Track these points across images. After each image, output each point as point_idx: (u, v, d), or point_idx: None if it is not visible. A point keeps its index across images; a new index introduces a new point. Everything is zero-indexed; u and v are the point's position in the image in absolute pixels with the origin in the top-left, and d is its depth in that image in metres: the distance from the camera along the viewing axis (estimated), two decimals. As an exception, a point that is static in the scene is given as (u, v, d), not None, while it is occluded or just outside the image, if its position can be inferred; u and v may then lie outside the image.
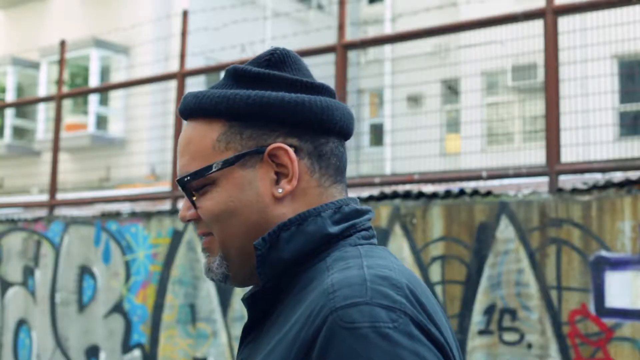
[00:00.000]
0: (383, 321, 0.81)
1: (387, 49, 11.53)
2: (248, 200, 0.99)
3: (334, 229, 0.98)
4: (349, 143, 1.11)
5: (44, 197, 6.98)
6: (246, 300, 1.01)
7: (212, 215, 1.01)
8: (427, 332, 0.84)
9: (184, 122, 1.09)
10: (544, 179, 3.88)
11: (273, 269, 0.97)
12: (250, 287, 1.06)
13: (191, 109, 1.03)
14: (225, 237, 1.01)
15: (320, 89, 1.03)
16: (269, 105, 0.98)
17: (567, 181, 3.94)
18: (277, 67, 1.03)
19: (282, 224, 0.97)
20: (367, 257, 0.93)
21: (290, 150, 0.98)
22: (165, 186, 6.69)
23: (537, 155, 4.89)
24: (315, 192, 1.00)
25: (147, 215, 5.13)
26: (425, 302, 0.88)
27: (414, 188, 4.26)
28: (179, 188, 1.04)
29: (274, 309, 0.99)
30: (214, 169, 1.00)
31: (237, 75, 1.03)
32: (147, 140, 9.58)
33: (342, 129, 1.03)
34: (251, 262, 1.00)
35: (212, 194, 1.01)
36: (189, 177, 1.01)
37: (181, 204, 5.56)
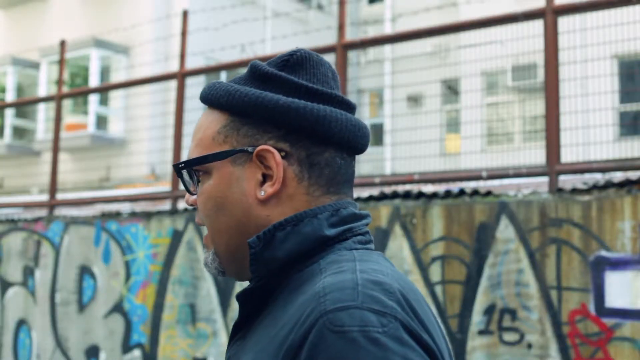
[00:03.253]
0: (373, 325, 0.81)
1: (387, 49, 11.53)
2: (234, 197, 1.00)
3: (330, 232, 0.97)
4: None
5: (44, 197, 6.98)
6: (237, 297, 1.02)
7: (204, 208, 1.03)
8: (418, 337, 0.83)
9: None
10: (544, 179, 3.88)
11: (266, 267, 0.97)
12: (246, 284, 1.06)
13: (204, 98, 1.06)
14: (214, 232, 1.03)
15: (329, 98, 1.01)
16: (262, 106, 0.98)
17: (567, 181, 3.94)
18: (291, 69, 1.03)
19: (277, 223, 0.97)
20: (361, 261, 0.92)
21: (277, 154, 0.97)
22: (165, 186, 6.69)
23: (537, 155, 4.89)
24: (302, 199, 0.99)
25: (147, 215, 5.13)
26: (417, 308, 0.87)
27: (414, 188, 4.26)
28: (179, 184, 1.05)
29: (264, 308, 0.99)
30: (205, 160, 1.01)
31: (253, 71, 1.04)
32: (147, 140, 9.58)
33: (342, 141, 1.00)
34: (238, 258, 1.01)
35: (206, 185, 1.02)
36: (182, 164, 1.04)
37: (182, 203, 5.57)
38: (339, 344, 0.80)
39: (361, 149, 1.05)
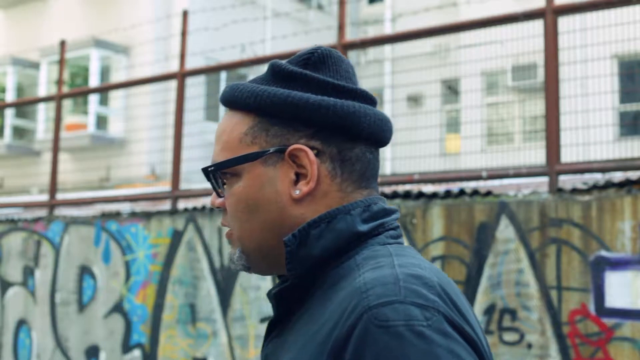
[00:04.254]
0: (417, 320, 0.81)
1: (387, 49, 11.53)
2: (267, 198, 1.00)
3: (363, 228, 0.98)
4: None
5: (44, 197, 6.98)
6: (273, 295, 1.02)
7: (234, 210, 1.02)
8: (460, 330, 0.84)
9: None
10: (544, 179, 3.88)
11: (302, 265, 0.97)
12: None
13: (227, 100, 1.04)
14: (243, 233, 1.02)
15: (355, 94, 1.02)
16: (293, 105, 0.98)
17: (567, 181, 3.94)
18: (314, 66, 1.03)
19: (311, 221, 0.97)
20: (398, 256, 0.93)
21: (311, 152, 0.98)
22: (165, 186, 6.69)
23: (537, 155, 4.89)
24: (336, 196, 1.00)
25: (147, 215, 5.13)
26: (457, 300, 0.88)
27: (414, 188, 4.26)
28: (207, 178, 1.05)
29: (300, 305, 0.99)
30: (235, 163, 1.01)
31: (274, 71, 1.03)
32: (147, 140, 9.58)
33: (371, 136, 1.01)
34: (270, 257, 1.02)
35: (235, 187, 1.02)
36: (213, 167, 1.03)
37: (182, 203, 5.56)
38: (385, 339, 0.81)
39: (386, 142, 1.05)
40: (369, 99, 1.04)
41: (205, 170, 1.04)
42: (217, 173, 1.03)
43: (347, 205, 0.99)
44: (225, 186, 1.04)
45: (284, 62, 1.04)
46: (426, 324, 0.81)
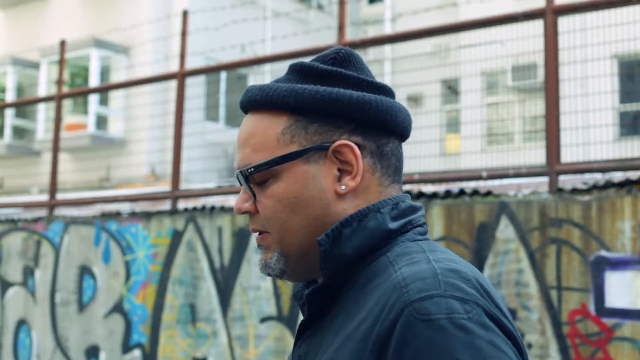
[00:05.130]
0: (458, 312, 0.83)
1: (387, 49, 11.53)
2: (311, 195, 1.00)
3: (393, 225, 0.99)
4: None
5: (44, 197, 6.98)
6: (306, 295, 1.01)
7: (273, 211, 1.01)
8: (498, 322, 0.86)
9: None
10: (544, 179, 3.88)
11: (335, 264, 0.98)
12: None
13: (256, 101, 1.03)
14: (285, 233, 1.02)
15: (383, 90, 1.04)
16: (336, 102, 0.99)
17: (567, 181, 3.94)
18: (342, 65, 1.04)
19: (343, 220, 0.98)
20: (431, 251, 0.95)
21: (355, 148, 0.99)
22: (165, 186, 6.69)
23: (537, 155, 4.89)
24: (375, 190, 1.02)
25: (147, 215, 5.13)
26: (492, 293, 0.90)
27: (414, 188, 4.26)
28: (239, 180, 1.03)
29: (333, 304, 0.99)
30: (278, 162, 1.00)
31: (304, 71, 1.03)
32: (147, 140, 9.58)
33: (403, 130, 1.04)
34: (309, 257, 1.01)
35: (274, 188, 1.01)
36: (252, 169, 1.01)
37: (182, 203, 5.56)
38: (428, 332, 0.82)
39: (409, 136, 1.08)
40: (393, 94, 1.06)
41: (244, 173, 1.01)
42: (252, 176, 1.01)
43: (377, 203, 1.00)
44: (257, 189, 1.02)
45: (309, 62, 1.04)
46: (467, 317, 0.83)
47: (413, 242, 0.99)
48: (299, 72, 1.04)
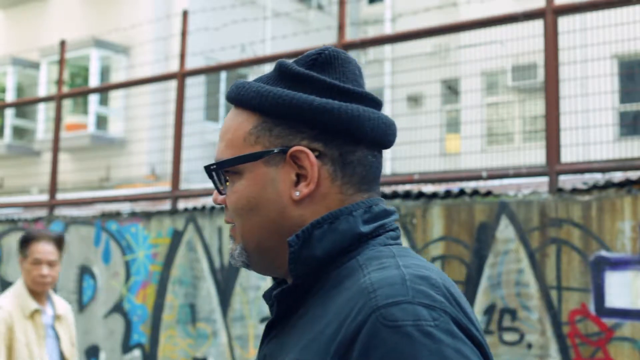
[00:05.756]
0: (425, 320, 0.82)
1: (387, 49, 11.53)
2: (268, 198, 1.00)
3: (365, 228, 0.98)
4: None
5: (44, 197, 6.98)
6: (274, 296, 1.01)
7: (234, 207, 1.03)
8: (466, 330, 0.85)
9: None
10: (544, 179, 3.88)
11: (305, 266, 0.97)
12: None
13: (232, 98, 1.05)
14: (244, 231, 1.03)
15: (361, 97, 1.02)
16: (297, 107, 0.98)
17: (567, 181, 3.94)
18: (321, 68, 1.03)
19: (314, 221, 0.97)
20: (401, 257, 0.94)
21: (311, 154, 0.98)
22: (165, 186, 6.69)
23: (537, 155, 4.89)
24: (336, 199, 1.00)
25: (147, 215, 5.13)
26: (461, 301, 0.89)
27: (414, 188, 4.26)
28: (209, 176, 1.05)
29: (301, 305, 0.99)
30: (239, 161, 1.01)
31: (281, 70, 1.03)
32: (147, 140, 9.58)
33: (374, 139, 1.01)
34: (269, 256, 1.02)
35: (238, 185, 1.02)
36: (214, 165, 1.03)
37: (182, 203, 5.57)
38: (394, 338, 0.81)
39: (389, 146, 1.06)
40: (375, 102, 1.04)
41: (207, 168, 1.04)
42: (220, 171, 1.04)
43: (350, 206, 0.99)
44: (227, 184, 1.04)
45: (291, 62, 1.04)
46: (434, 324, 0.82)
47: (384, 246, 0.98)
48: (278, 72, 1.04)
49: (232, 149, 1.02)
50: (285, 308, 1.01)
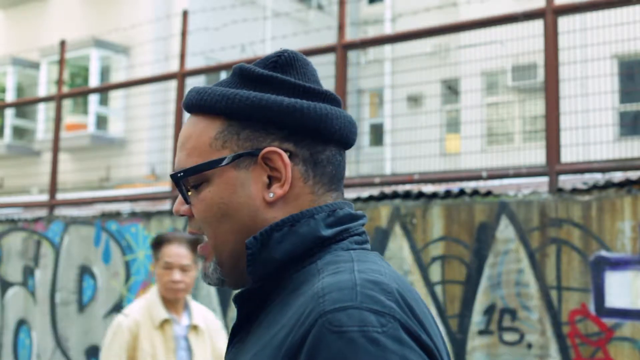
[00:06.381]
0: (372, 325, 0.81)
1: (387, 49, 11.53)
2: (239, 202, 0.98)
3: (326, 232, 0.97)
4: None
5: (44, 197, 6.98)
6: (233, 299, 1.01)
7: (204, 216, 1.00)
8: (416, 337, 0.83)
9: (185, 117, 1.08)
10: (544, 179, 3.89)
11: (263, 268, 0.96)
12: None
13: (193, 104, 1.02)
14: (216, 240, 1.00)
15: (324, 96, 1.02)
16: (266, 108, 0.97)
17: (567, 181, 3.94)
18: (282, 69, 1.02)
19: (274, 224, 0.96)
20: (359, 261, 0.92)
21: (284, 155, 0.97)
22: (165, 186, 6.69)
23: (537, 155, 4.89)
24: (307, 199, 0.99)
25: (147, 215, 5.13)
26: (415, 307, 0.87)
27: (414, 188, 4.26)
28: (176, 185, 1.03)
29: (262, 310, 0.98)
30: (207, 167, 0.99)
31: (242, 74, 1.02)
32: (147, 140, 9.57)
33: (341, 138, 1.01)
34: (242, 264, 0.99)
35: (205, 192, 1.00)
36: (181, 173, 1.00)
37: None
38: (339, 344, 0.80)
39: (352, 144, 1.05)
40: (336, 101, 1.04)
41: (174, 177, 1.01)
42: (185, 179, 1.00)
43: (312, 209, 0.98)
44: (192, 193, 1.02)
45: (251, 65, 1.03)
46: (381, 330, 0.80)
47: (346, 250, 0.96)
48: (239, 75, 1.02)
49: (196, 156, 1.00)
50: (246, 312, 1.00)
